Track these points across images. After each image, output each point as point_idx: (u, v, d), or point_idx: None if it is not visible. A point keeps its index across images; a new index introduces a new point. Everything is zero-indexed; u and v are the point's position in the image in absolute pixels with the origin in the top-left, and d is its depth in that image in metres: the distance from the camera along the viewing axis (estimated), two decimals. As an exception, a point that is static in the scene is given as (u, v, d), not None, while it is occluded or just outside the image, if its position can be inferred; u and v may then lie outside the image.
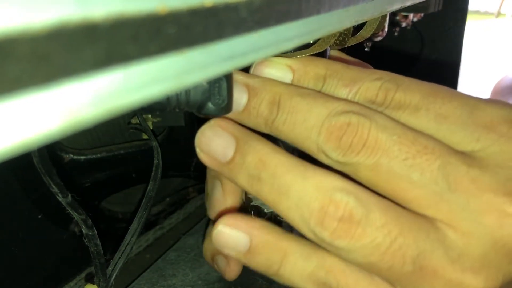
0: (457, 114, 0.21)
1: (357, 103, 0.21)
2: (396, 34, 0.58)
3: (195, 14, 0.10)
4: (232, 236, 0.23)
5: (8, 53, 0.06)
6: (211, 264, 0.33)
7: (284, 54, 0.23)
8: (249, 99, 0.22)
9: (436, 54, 0.65)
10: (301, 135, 0.21)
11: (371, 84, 0.22)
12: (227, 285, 0.33)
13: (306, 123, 0.21)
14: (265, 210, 0.28)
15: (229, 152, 0.22)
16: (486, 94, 1.20)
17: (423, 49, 0.65)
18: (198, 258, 0.37)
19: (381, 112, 0.21)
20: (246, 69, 0.24)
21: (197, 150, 0.23)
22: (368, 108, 0.21)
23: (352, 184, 0.20)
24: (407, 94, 0.21)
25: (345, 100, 0.22)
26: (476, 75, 2.25)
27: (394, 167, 0.20)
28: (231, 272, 0.31)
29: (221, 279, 0.34)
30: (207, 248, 0.33)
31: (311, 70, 0.23)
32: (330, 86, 0.22)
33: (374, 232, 0.19)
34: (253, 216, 0.26)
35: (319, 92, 0.22)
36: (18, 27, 0.07)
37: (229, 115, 0.23)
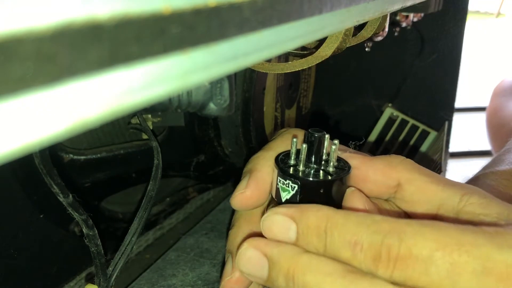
0: (470, 269, 0.20)
1: None
2: (396, 34, 0.58)
3: (199, 14, 0.10)
4: None
5: (13, 53, 0.06)
6: None
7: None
8: (269, 271, 0.24)
9: (436, 54, 0.66)
10: None
11: (372, 240, 0.22)
12: (227, 285, 0.33)
13: None
14: None
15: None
16: (486, 94, 1.20)
17: (423, 49, 0.66)
18: (198, 258, 0.37)
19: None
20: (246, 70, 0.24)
21: None
22: None
23: None
24: (412, 248, 0.21)
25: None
26: (476, 75, 2.25)
27: None
28: None
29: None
30: None
31: (312, 224, 0.24)
32: (333, 245, 0.23)
33: None
34: None
35: (329, 261, 0.23)
36: (23, 27, 0.07)
37: None
